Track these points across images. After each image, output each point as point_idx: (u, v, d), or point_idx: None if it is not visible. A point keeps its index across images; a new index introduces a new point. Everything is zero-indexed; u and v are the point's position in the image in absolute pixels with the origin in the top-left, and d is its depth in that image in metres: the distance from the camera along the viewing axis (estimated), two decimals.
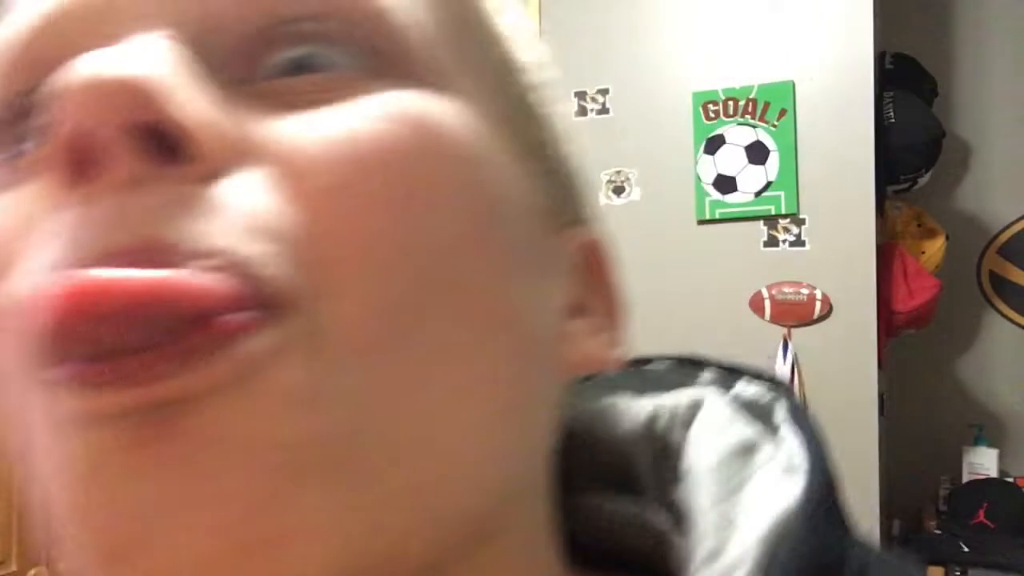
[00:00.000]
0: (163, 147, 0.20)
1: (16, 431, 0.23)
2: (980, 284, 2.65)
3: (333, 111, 0.22)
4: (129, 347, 0.19)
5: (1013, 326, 2.61)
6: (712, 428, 0.30)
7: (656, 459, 0.31)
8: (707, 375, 0.34)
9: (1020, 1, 2.62)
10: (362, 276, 0.21)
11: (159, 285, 0.19)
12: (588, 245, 0.31)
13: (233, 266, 0.19)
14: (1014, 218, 2.61)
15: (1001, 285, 2.63)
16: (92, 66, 0.20)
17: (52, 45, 0.23)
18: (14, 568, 1.99)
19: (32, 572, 2.03)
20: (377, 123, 0.22)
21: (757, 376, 0.34)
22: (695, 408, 0.31)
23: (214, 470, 0.19)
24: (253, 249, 0.20)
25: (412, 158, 0.22)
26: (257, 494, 0.20)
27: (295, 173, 0.21)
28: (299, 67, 0.23)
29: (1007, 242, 2.62)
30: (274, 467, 0.20)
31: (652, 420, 0.32)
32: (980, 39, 2.65)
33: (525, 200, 0.26)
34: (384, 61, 0.23)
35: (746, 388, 0.33)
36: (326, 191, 0.21)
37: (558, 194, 0.30)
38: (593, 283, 0.30)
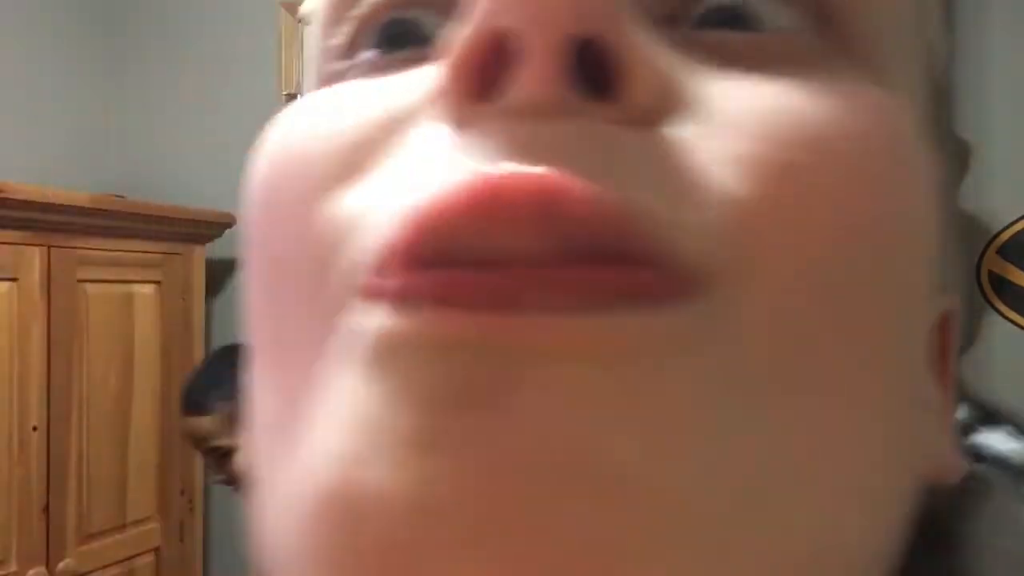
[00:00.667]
0: (590, 76, 0.17)
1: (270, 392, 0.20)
2: (980, 284, 2.65)
3: (786, 85, 0.18)
4: (516, 257, 0.15)
5: (1013, 326, 2.61)
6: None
7: None
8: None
9: (1020, 1, 2.62)
10: (793, 275, 0.17)
11: (602, 206, 0.15)
12: (946, 316, 0.24)
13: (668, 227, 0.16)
14: (1014, 218, 2.61)
15: (1001, 285, 2.63)
16: None
17: None
18: (14, 568, 1.99)
19: (32, 572, 2.03)
20: (843, 115, 0.18)
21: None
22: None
23: (560, 479, 0.15)
24: (689, 215, 0.16)
25: (881, 169, 0.19)
26: (621, 533, 0.15)
27: (740, 141, 0.17)
28: (734, 17, 0.19)
29: (1007, 242, 2.62)
30: (662, 495, 0.15)
31: None
32: (980, 39, 2.65)
33: (934, 240, 0.21)
34: (834, 33, 0.20)
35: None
36: (778, 170, 0.17)
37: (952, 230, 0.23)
38: (940, 368, 0.24)
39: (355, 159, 0.19)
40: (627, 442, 0.15)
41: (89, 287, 2.20)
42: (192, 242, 2.50)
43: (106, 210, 2.20)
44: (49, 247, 2.09)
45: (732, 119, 0.18)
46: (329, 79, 0.25)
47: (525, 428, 0.15)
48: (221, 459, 1.65)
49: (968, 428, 0.26)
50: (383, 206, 0.17)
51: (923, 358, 0.21)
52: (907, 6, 0.22)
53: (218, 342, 2.77)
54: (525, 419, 0.15)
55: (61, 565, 2.10)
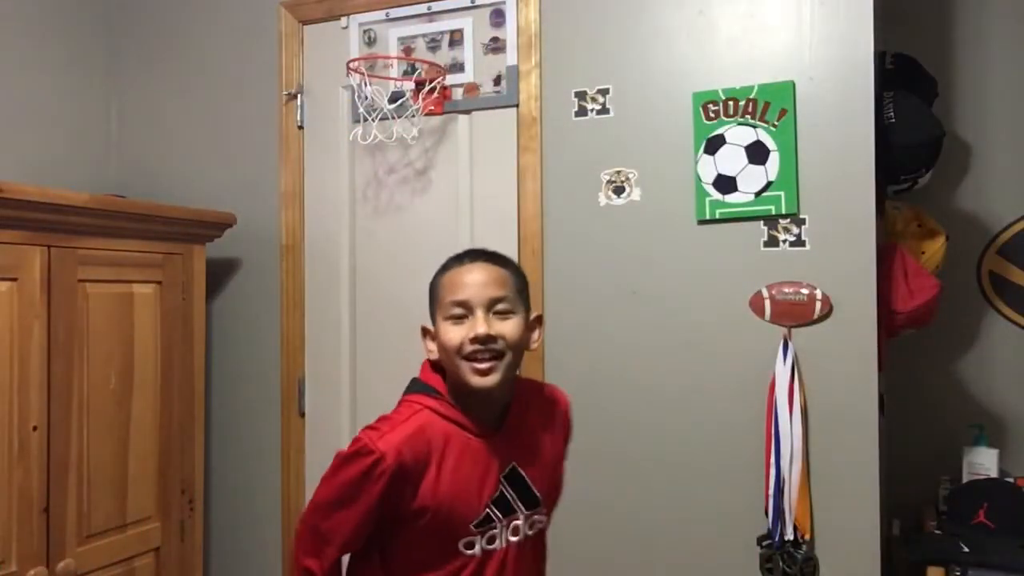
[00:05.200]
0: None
1: None
2: (980, 284, 2.65)
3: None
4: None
5: (1013, 326, 2.61)
6: None
7: None
8: None
9: (1020, 1, 2.62)
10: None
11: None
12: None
13: None
14: (1014, 218, 2.61)
15: (1001, 285, 2.63)
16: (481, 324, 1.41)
17: (467, 299, 1.42)
18: (14, 568, 1.99)
19: (32, 572, 2.03)
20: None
21: None
22: None
23: None
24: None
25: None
26: None
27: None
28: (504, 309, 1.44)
29: (1007, 242, 2.62)
30: None
31: None
32: (980, 39, 2.65)
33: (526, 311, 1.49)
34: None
35: None
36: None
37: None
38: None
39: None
40: None
41: (89, 287, 2.20)
42: (192, 242, 2.50)
43: (106, 210, 2.20)
44: (49, 247, 2.09)
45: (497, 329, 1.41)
46: (448, 319, 1.44)
47: None
48: None
49: None
50: None
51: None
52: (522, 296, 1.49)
53: (218, 342, 2.78)
54: None
55: (61, 565, 2.10)
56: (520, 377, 1.55)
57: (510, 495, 1.46)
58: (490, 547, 1.44)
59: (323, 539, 1.40)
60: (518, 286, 1.46)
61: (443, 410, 1.44)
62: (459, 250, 1.52)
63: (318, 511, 1.42)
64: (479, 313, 1.40)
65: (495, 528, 1.44)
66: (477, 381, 1.39)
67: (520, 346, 1.44)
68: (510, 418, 1.49)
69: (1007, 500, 2.28)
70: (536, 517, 1.51)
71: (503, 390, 1.43)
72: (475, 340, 1.38)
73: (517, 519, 1.47)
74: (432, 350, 1.49)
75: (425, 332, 1.52)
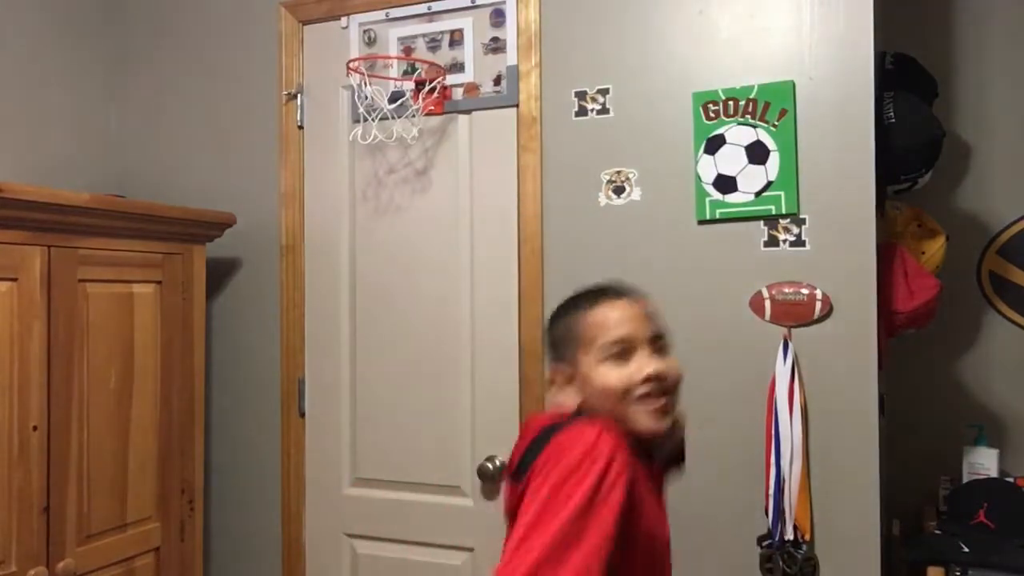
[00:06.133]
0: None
1: None
2: (980, 284, 2.65)
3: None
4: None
5: (1013, 326, 2.61)
6: None
7: None
8: None
9: (1020, 1, 2.62)
10: None
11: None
12: None
13: None
14: (1014, 218, 2.61)
15: (1001, 285, 2.63)
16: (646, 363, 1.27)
17: (628, 336, 1.28)
18: (14, 568, 1.99)
19: (32, 572, 2.03)
20: None
21: None
22: None
23: None
24: None
25: None
26: None
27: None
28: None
29: (1007, 242, 2.62)
30: None
31: None
32: (980, 39, 2.65)
33: None
34: None
35: None
36: None
37: None
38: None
39: None
40: None
41: (89, 287, 2.20)
42: (192, 242, 2.50)
43: (106, 210, 2.20)
44: (49, 247, 2.09)
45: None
46: (605, 360, 1.28)
47: None
48: None
49: None
50: None
51: None
52: None
53: (218, 342, 2.78)
54: None
55: (61, 565, 2.10)
56: None
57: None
58: None
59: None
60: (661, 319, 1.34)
61: (618, 431, 1.22)
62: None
63: (559, 541, 1.08)
64: (644, 351, 1.27)
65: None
66: (655, 424, 1.25)
67: (681, 383, 1.30)
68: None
69: (1007, 500, 2.28)
70: None
71: None
72: (648, 379, 1.24)
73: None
74: (569, 396, 1.31)
75: (557, 375, 1.33)
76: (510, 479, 1.29)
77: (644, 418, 1.25)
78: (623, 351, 1.27)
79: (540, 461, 1.18)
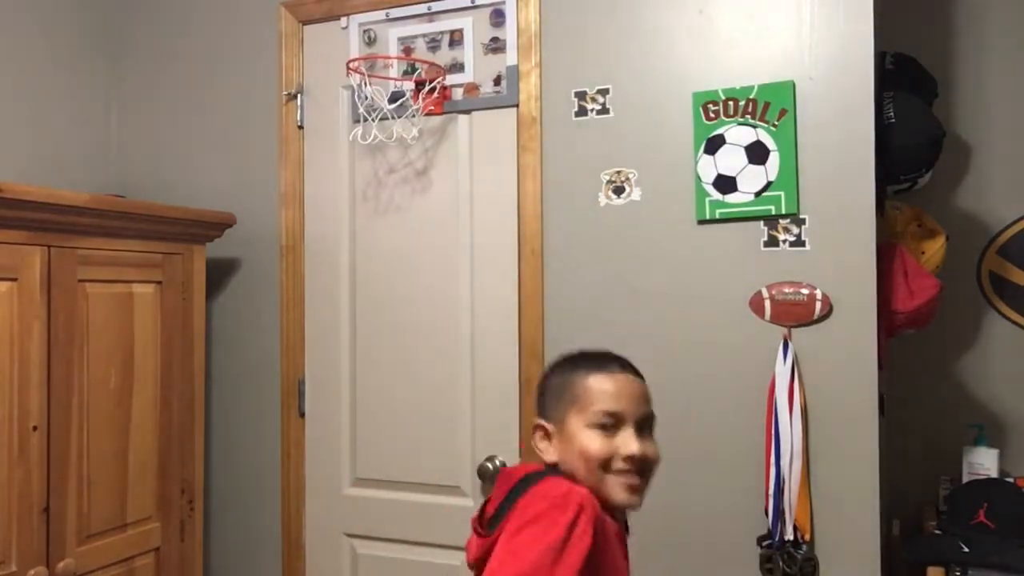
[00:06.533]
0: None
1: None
2: (980, 284, 2.65)
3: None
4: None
5: (1013, 326, 2.61)
6: None
7: None
8: None
9: (1020, 1, 2.62)
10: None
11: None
12: None
13: None
14: (1014, 218, 2.61)
15: (1001, 285, 2.63)
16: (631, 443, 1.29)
17: (621, 412, 1.31)
18: (14, 568, 1.99)
19: (32, 572, 2.03)
20: None
21: None
22: None
23: None
24: None
25: None
26: None
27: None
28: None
29: (1007, 242, 2.62)
30: None
31: None
32: (980, 39, 2.65)
33: None
34: None
35: None
36: None
37: None
38: None
39: None
40: None
41: (89, 287, 2.20)
42: (192, 242, 2.50)
43: (106, 210, 2.20)
44: (49, 247, 2.09)
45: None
46: (593, 427, 1.30)
47: None
48: None
49: None
50: None
51: None
52: None
53: (218, 342, 2.78)
54: None
55: (61, 565, 2.10)
56: None
57: None
58: None
59: None
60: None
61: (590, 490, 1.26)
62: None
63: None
64: (630, 429, 1.30)
65: None
66: (628, 499, 1.29)
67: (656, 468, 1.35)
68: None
69: (1007, 500, 2.28)
70: None
71: None
72: (629, 459, 1.28)
73: None
74: (548, 450, 1.34)
75: (540, 428, 1.36)
76: (481, 529, 1.32)
77: (617, 491, 1.28)
78: (612, 424, 1.30)
79: (517, 508, 1.23)
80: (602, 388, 1.31)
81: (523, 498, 1.24)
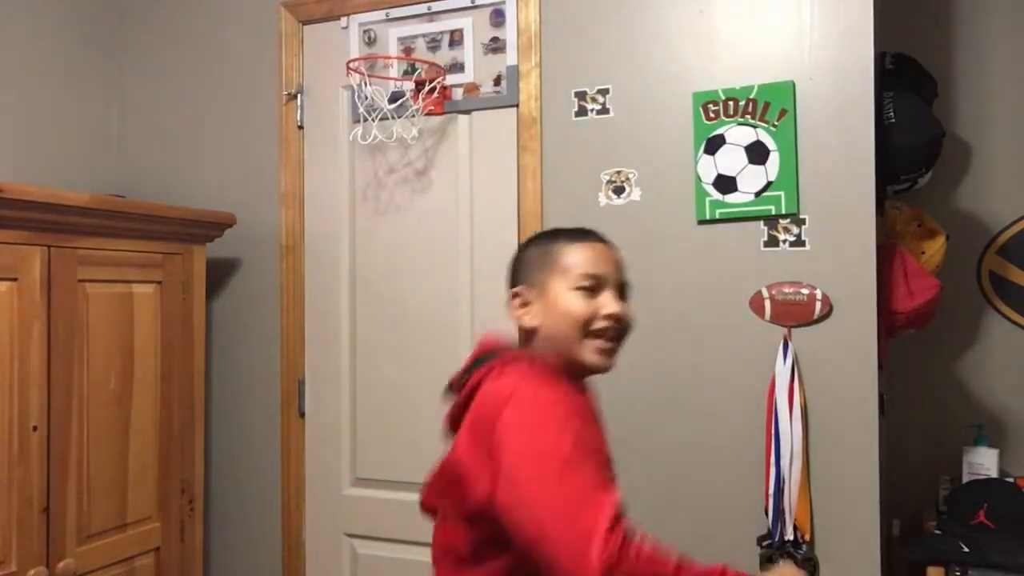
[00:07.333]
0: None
1: None
2: (980, 284, 2.65)
3: None
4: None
5: (1013, 326, 2.61)
6: None
7: None
8: None
9: (1020, 1, 2.62)
10: None
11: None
12: None
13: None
14: (1014, 218, 2.61)
15: (1001, 285, 2.63)
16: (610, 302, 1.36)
17: (603, 275, 1.37)
18: (14, 568, 1.99)
19: (32, 572, 2.03)
20: None
21: None
22: None
23: None
24: None
25: None
26: None
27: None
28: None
29: (1007, 242, 2.62)
30: None
31: None
32: (980, 39, 2.65)
33: None
34: None
35: None
36: None
37: None
38: None
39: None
40: None
41: (89, 287, 2.20)
42: (192, 242, 2.50)
43: (106, 210, 2.20)
44: (49, 247, 2.09)
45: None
46: (576, 289, 1.35)
47: None
48: None
49: None
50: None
51: None
52: None
53: (218, 342, 2.78)
54: None
55: (61, 565, 2.10)
56: None
57: None
58: None
59: (600, 477, 1.15)
60: None
61: (555, 367, 1.33)
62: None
63: (561, 455, 1.13)
64: (611, 291, 1.37)
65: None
66: (600, 361, 1.35)
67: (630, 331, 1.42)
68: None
69: (1007, 500, 2.28)
70: None
71: None
72: (610, 317, 1.34)
73: None
74: (528, 315, 1.39)
75: (518, 296, 1.41)
76: (453, 390, 1.43)
77: (592, 354, 1.35)
78: (594, 287, 1.36)
79: (474, 407, 1.29)
80: (584, 254, 1.38)
81: (477, 399, 1.30)
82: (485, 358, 1.39)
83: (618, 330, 1.37)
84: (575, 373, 1.36)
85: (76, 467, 2.16)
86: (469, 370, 1.39)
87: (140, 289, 2.35)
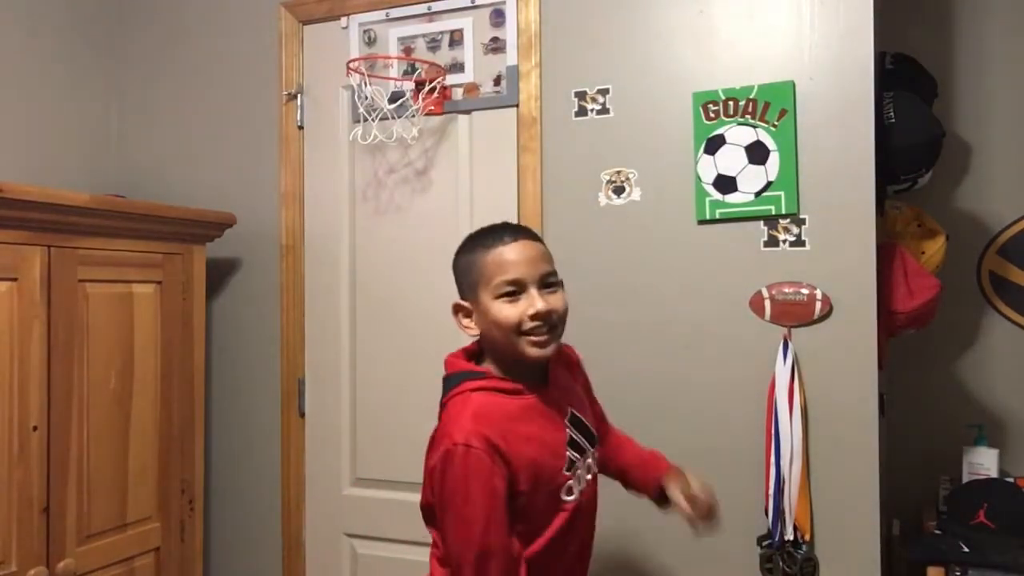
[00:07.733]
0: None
1: None
2: (980, 284, 2.65)
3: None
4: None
5: (1013, 326, 2.61)
6: None
7: None
8: None
9: (1020, 1, 2.62)
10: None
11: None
12: None
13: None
14: (1014, 218, 2.61)
15: (1001, 285, 2.63)
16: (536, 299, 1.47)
17: (520, 278, 1.47)
18: (14, 568, 1.99)
19: (32, 572, 2.03)
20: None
21: None
22: None
23: None
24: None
25: None
26: None
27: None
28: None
29: (1007, 242, 2.62)
30: None
31: None
32: (980, 39, 2.65)
33: None
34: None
35: None
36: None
37: None
38: None
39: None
40: None
41: (89, 287, 2.20)
42: (192, 242, 2.50)
43: (106, 210, 2.20)
44: (49, 247, 2.09)
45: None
46: (500, 297, 1.46)
47: None
48: None
49: None
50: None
51: None
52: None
53: (218, 342, 2.78)
54: None
55: (61, 565, 2.10)
56: None
57: (577, 437, 1.55)
58: (580, 487, 1.52)
59: (500, 558, 1.39)
60: (552, 257, 1.55)
61: (493, 385, 1.48)
62: (457, 240, 1.57)
63: (474, 535, 1.39)
64: (533, 291, 1.46)
65: (579, 469, 1.52)
66: (537, 353, 1.46)
67: (566, 315, 1.52)
68: (550, 374, 1.58)
69: (1007, 500, 2.28)
70: (596, 452, 1.62)
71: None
72: (535, 317, 1.45)
73: (588, 457, 1.57)
74: (470, 326, 1.53)
75: (459, 309, 1.54)
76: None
77: (529, 348, 1.46)
78: (515, 291, 1.46)
79: (432, 442, 1.49)
80: (498, 262, 1.47)
81: (434, 432, 1.49)
82: (449, 381, 1.53)
83: (548, 323, 1.47)
84: (525, 366, 1.50)
85: (76, 467, 2.16)
86: (444, 391, 1.54)
87: (140, 289, 2.35)
